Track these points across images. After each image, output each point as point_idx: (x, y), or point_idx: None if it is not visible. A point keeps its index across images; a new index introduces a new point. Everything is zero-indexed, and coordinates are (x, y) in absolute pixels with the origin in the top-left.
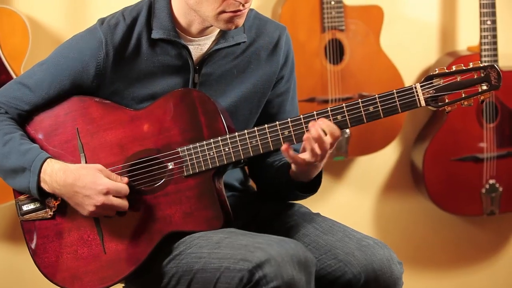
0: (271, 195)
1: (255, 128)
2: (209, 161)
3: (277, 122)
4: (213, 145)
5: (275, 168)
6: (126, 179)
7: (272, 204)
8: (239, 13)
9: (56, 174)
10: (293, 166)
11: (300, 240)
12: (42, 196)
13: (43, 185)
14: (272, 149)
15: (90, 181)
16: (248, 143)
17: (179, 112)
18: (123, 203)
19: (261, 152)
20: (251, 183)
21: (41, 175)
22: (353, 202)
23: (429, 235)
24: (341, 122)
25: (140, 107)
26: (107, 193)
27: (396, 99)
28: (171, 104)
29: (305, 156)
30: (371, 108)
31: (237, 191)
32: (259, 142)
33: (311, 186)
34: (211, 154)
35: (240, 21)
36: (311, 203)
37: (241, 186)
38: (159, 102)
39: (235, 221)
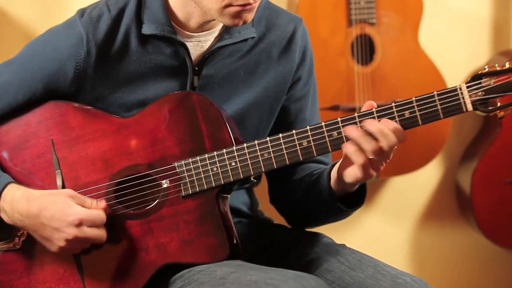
0: (299, 219)
1: (267, 138)
2: (212, 178)
3: (293, 131)
4: (216, 159)
5: (308, 183)
6: (103, 204)
7: (288, 232)
8: (248, 7)
9: (17, 202)
10: (348, 175)
11: (322, 276)
12: (4, 228)
13: (2, 215)
14: (288, 162)
15: (59, 211)
16: (259, 155)
17: (175, 119)
18: (100, 234)
19: (275, 167)
20: (260, 207)
21: (1, 203)
22: (385, 231)
23: (477, 273)
24: None
25: (129, 115)
26: (79, 224)
27: (437, 102)
28: (166, 110)
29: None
30: (406, 114)
31: (244, 217)
32: (272, 155)
33: (356, 198)
34: (215, 169)
35: (250, 16)
36: (334, 233)
37: (249, 211)
38: (151, 108)
39: (243, 252)
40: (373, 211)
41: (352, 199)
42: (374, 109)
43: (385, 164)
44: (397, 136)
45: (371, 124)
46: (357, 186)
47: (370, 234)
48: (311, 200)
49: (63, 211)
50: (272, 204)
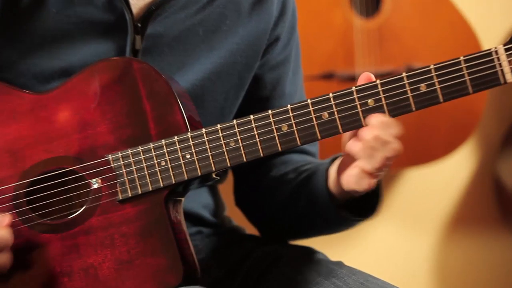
0: (279, 230)
1: (234, 121)
2: (160, 176)
3: (269, 111)
4: (165, 150)
5: (293, 182)
6: (7, 220)
7: (265, 247)
8: None
9: None
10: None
11: None
12: None
13: None
14: (262, 154)
15: None
16: (223, 144)
17: (110, 96)
18: (1, 261)
19: (244, 160)
20: (228, 212)
21: None
22: (399, 243)
23: None
24: (373, 110)
25: (47, 89)
26: None
27: (465, 71)
28: (97, 82)
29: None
30: (422, 87)
31: (206, 225)
32: (240, 144)
33: (365, 203)
34: (163, 164)
35: None
36: (329, 246)
37: (213, 217)
38: (77, 79)
39: (205, 275)
40: (382, 216)
41: (359, 204)
42: (378, 81)
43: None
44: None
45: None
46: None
47: (378, 247)
48: (300, 205)
49: None
50: (239, 208)
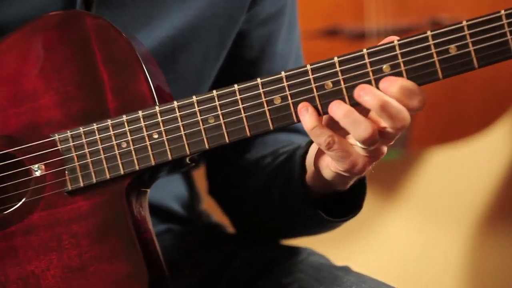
0: (258, 228)
1: (214, 92)
2: (120, 161)
3: (258, 79)
4: (127, 128)
5: (270, 168)
6: None
7: (252, 248)
8: None
9: None
10: (323, 164)
11: None
12: None
13: None
14: (249, 133)
15: None
16: (200, 121)
17: (56, 60)
18: None
19: (227, 141)
20: (205, 205)
21: None
22: (420, 242)
23: None
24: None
25: None
26: None
27: (507, 28)
28: (39, 43)
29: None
30: (452, 49)
31: (177, 221)
32: (222, 121)
33: (350, 200)
34: (124, 146)
35: None
36: (333, 247)
37: (186, 211)
38: (12, 40)
39: (177, 282)
40: (399, 209)
41: (343, 200)
42: (396, 41)
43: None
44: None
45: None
46: (349, 182)
47: (394, 247)
48: (273, 197)
49: None
50: (213, 198)
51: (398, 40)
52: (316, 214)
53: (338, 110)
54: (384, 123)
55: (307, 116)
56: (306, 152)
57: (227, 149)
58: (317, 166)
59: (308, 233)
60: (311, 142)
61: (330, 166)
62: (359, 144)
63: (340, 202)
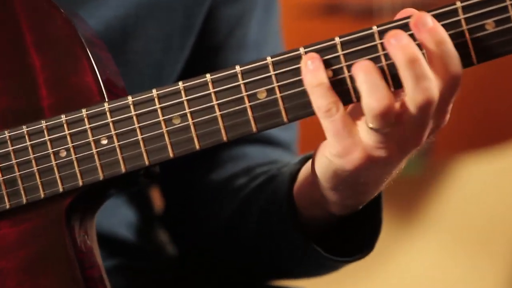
0: (226, 266)
1: (180, 84)
2: (58, 175)
3: (237, 67)
4: (67, 132)
5: (245, 193)
6: None
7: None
8: None
9: None
10: (319, 154)
11: None
12: None
13: None
14: (225, 138)
15: None
16: (163, 122)
17: None
18: None
19: (197, 147)
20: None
21: None
22: (446, 274)
23: None
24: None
25: None
26: None
27: None
28: None
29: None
30: (489, 25)
31: (133, 255)
32: (190, 121)
33: (359, 234)
34: (63, 155)
35: None
36: (337, 283)
37: (145, 242)
38: None
39: None
40: (420, 235)
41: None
42: (413, 17)
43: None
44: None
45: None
46: (359, 206)
47: (415, 283)
48: (250, 228)
49: None
50: (164, 224)
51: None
52: (310, 249)
53: (359, 63)
54: (409, 103)
55: (313, 67)
56: (296, 171)
57: (186, 166)
58: (313, 166)
59: (299, 275)
60: (304, 161)
61: (325, 152)
62: (366, 125)
63: (344, 236)
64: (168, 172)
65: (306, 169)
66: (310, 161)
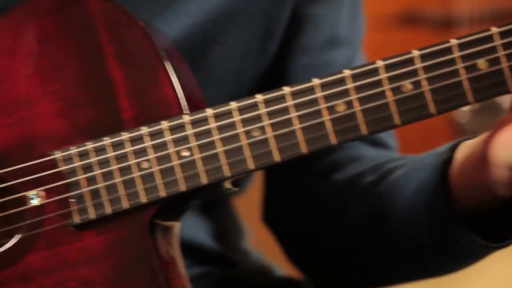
0: (353, 270)
1: (259, 97)
2: (141, 186)
3: (315, 80)
4: (149, 143)
5: (379, 189)
6: None
7: None
8: None
9: None
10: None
11: None
12: None
13: None
14: (305, 150)
15: None
16: (241, 135)
17: (54, 56)
18: None
19: (277, 160)
20: (251, 241)
21: None
22: None
23: None
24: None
25: None
26: None
27: None
28: (31, 34)
29: None
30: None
31: (216, 263)
32: (270, 134)
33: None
34: (145, 166)
35: None
36: None
37: (227, 250)
38: None
39: None
40: None
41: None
42: (495, 30)
43: None
44: None
45: None
46: None
47: None
48: (394, 223)
49: None
50: (271, 227)
51: (498, 28)
52: (465, 236)
53: None
54: None
55: None
56: (449, 159)
57: (300, 167)
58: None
59: (440, 270)
60: (452, 148)
61: None
62: None
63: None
64: (281, 172)
65: (466, 154)
66: (468, 146)
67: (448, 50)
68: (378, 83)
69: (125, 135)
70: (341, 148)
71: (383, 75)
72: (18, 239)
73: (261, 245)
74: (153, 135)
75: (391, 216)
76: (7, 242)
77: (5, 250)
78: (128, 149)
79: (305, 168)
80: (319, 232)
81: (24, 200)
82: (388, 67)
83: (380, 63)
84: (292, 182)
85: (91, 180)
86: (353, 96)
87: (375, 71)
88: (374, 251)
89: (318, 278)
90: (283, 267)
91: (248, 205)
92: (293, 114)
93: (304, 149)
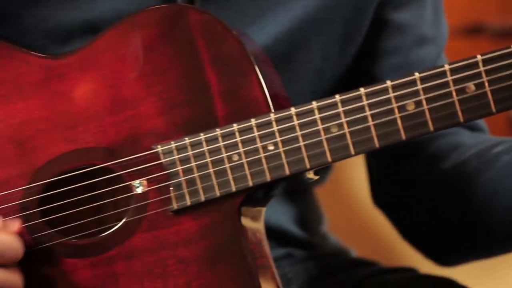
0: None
1: (337, 98)
2: (231, 176)
3: (388, 82)
4: (238, 139)
5: (493, 173)
6: (17, 224)
7: (389, 275)
8: None
9: None
10: None
11: None
12: None
13: None
14: (377, 145)
15: None
16: (321, 132)
17: (157, 62)
18: (9, 281)
19: (352, 153)
20: (329, 226)
21: None
22: None
23: None
24: None
25: (65, 51)
26: None
27: None
28: (137, 43)
29: None
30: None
31: (298, 245)
32: (346, 130)
33: None
34: (235, 159)
35: None
36: (480, 276)
37: (308, 234)
38: (107, 38)
39: None
40: None
41: None
42: None
43: None
44: None
45: None
46: None
47: None
48: (502, 211)
49: None
50: (381, 209)
51: None
52: None
53: None
54: None
55: None
56: None
57: (399, 158)
58: None
59: None
60: None
61: None
62: None
63: None
64: (376, 166)
65: None
66: None
67: (509, 55)
68: (445, 84)
69: (217, 131)
70: (440, 136)
71: (449, 78)
72: (124, 222)
73: (337, 229)
74: (242, 131)
75: (497, 201)
76: (116, 225)
77: (114, 232)
78: (220, 143)
79: (409, 157)
80: (431, 215)
81: (129, 188)
82: (454, 71)
83: (446, 67)
84: (398, 171)
85: (188, 171)
86: (422, 96)
87: (442, 74)
88: (482, 231)
89: (432, 253)
90: (357, 250)
91: (326, 193)
92: (367, 112)
93: (376, 144)
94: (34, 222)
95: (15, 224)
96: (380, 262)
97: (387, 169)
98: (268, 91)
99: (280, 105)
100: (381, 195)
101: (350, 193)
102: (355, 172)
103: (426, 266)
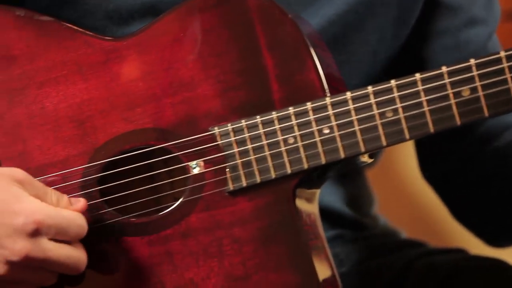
0: None
1: (392, 83)
2: (287, 159)
3: (443, 68)
4: (294, 122)
5: None
6: (82, 202)
7: (438, 256)
8: None
9: None
10: None
11: None
12: None
13: None
14: (432, 130)
15: None
16: (376, 117)
17: (215, 44)
18: (75, 256)
19: (407, 138)
20: (378, 209)
21: None
22: None
23: None
24: None
25: (125, 33)
26: (36, 232)
27: None
28: (196, 26)
29: None
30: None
31: (349, 227)
32: (401, 115)
33: None
34: (291, 142)
35: None
36: None
37: (359, 216)
38: (167, 21)
39: None
40: None
41: None
42: None
43: None
44: None
45: None
46: None
47: None
48: None
49: (4, 206)
50: (433, 187)
51: None
52: None
53: None
54: None
55: None
56: None
57: (451, 140)
58: None
59: None
60: None
61: None
62: None
63: None
64: (426, 143)
65: None
66: None
67: None
68: (501, 71)
69: (274, 114)
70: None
71: (505, 64)
72: (181, 202)
73: (387, 211)
74: (298, 115)
75: None
76: (173, 205)
77: (171, 211)
78: (276, 126)
79: (459, 136)
80: (484, 193)
81: (187, 169)
82: (509, 58)
83: (502, 54)
84: (450, 149)
85: (244, 153)
86: (478, 83)
87: (498, 61)
88: None
89: (484, 233)
90: (406, 231)
91: (377, 175)
92: (423, 98)
93: (431, 128)
94: (94, 201)
95: (80, 202)
96: (429, 243)
97: (437, 147)
98: (324, 75)
99: (335, 89)
100: (430, 171)
101: (400, 175)
102: (406, 155)
103: (476, 247)
